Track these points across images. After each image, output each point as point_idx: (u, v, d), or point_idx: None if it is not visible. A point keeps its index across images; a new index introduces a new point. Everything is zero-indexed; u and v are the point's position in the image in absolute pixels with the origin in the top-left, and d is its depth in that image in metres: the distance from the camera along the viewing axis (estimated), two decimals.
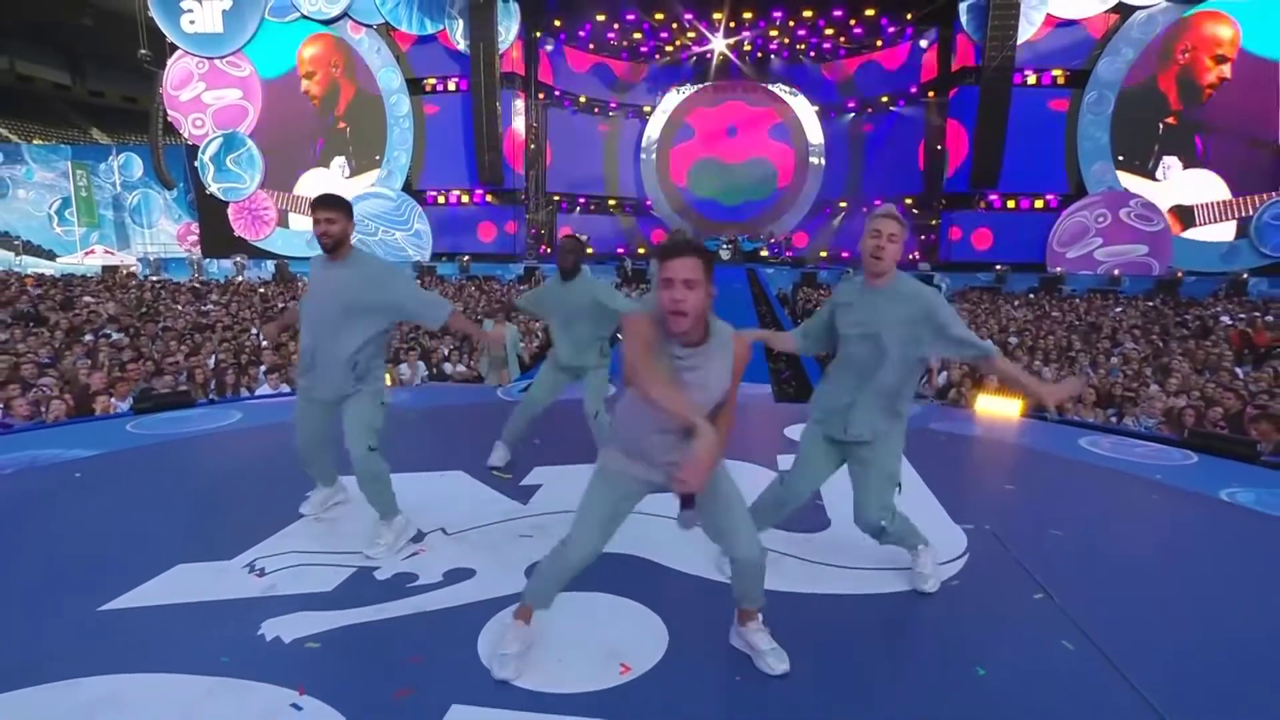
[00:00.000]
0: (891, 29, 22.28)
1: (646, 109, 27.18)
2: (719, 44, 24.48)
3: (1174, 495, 3.91)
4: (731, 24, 23.21)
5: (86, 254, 27.46)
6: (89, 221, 29.03)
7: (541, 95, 25.25)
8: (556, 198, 26.87)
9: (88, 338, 9.71)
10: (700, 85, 26.45)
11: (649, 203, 27.80)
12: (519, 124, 24.65)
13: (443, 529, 3.19)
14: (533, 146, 25.36)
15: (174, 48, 25.31)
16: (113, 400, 6.41)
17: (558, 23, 24.14)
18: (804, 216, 26.52)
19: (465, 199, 25.34)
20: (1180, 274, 18.35)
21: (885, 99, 24.29)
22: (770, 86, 25.98)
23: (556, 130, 26.36)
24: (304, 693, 2.03)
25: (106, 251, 27.75)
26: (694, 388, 1.95)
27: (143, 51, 25.50)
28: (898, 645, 2.48)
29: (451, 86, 24.32)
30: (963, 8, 19.68)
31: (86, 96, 41.01)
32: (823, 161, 25.86)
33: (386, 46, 24.65)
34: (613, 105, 26.92)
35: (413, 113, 25.00)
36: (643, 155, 27.41)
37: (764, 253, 24.62)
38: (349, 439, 2.90)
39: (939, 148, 21.55)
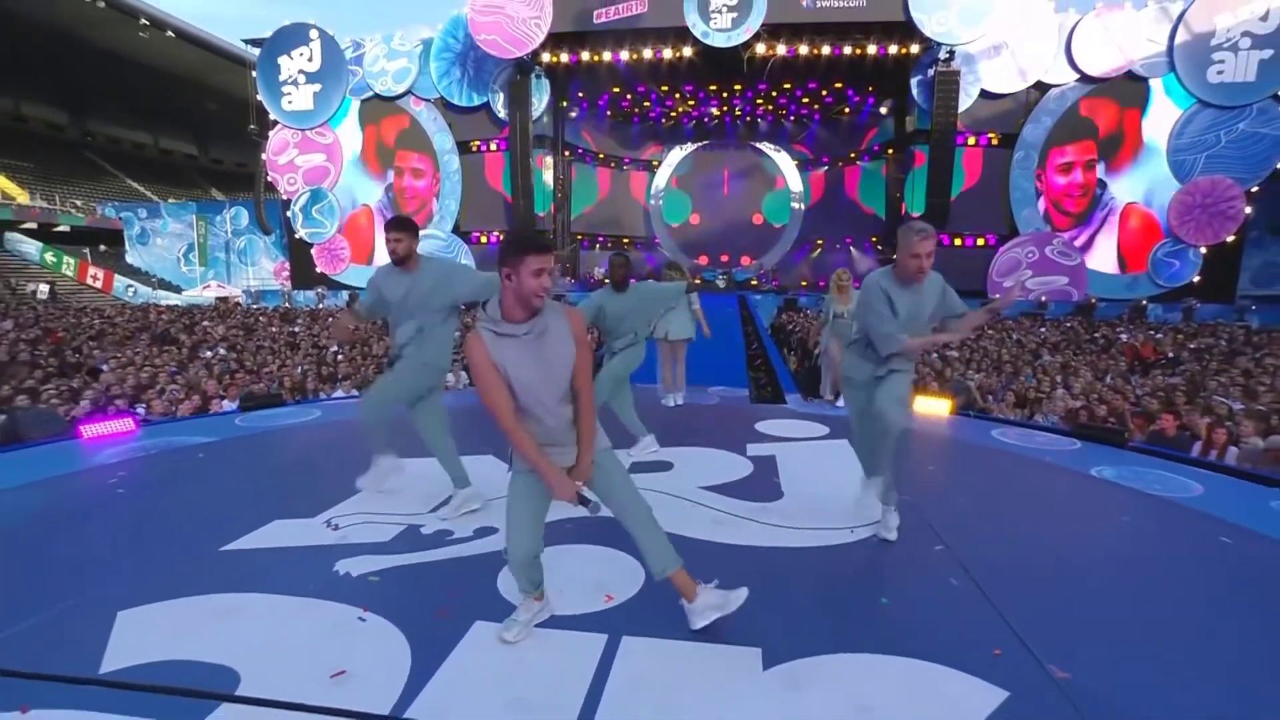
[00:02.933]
0: (856, 98, 22.43)
1: (655, 163, 27.50)
2: (714, 110, 24.83)
3: (1055, 472, 4.07)
4: (724, 94, 23.50)
5: (204, 288, 28.11)
6: (205, 262, 29.74)
7: (566, 152, 25.61)
8: (579, 237, 27.17)
9: (205, 353, 10.09)
10: (699, 144, 26.76)
11: (656, 240, 28.03)
12: (547, 176, 25.01)
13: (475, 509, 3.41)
14: (559, 195, 25.70)
15: (275, 122, 25.98)
16: (224, 401, 6.72)
17: (581, 94, 24.51)
18: (787, 252, 26.67)
19: (503, 238, 25.69)
20: (1094, 300, 18.34)
21: (853, 154, 24.45)
22: (756, 144, 26.21)
23: (579, 181, 26.73)
24: (367, 610, 2.27)
25: (219, 285, 28.42)
26: (543, 361, 1.94)
27: (252, 127, 26.24)
28: (828, 584, 2.61)
29: (493, 147, 24.70)
30: (913, 82, 19.86)
31: (209, 164, 42.25)
32: (802, 206, 26.02)
33: (440, 115, 25.15)
34: (625, 160, 27.28)
35: (461, 169, 25.45)
36: (650, 201, 27.70)
37: (754, 282, 24.75)
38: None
39: (898, 195, 21.64)
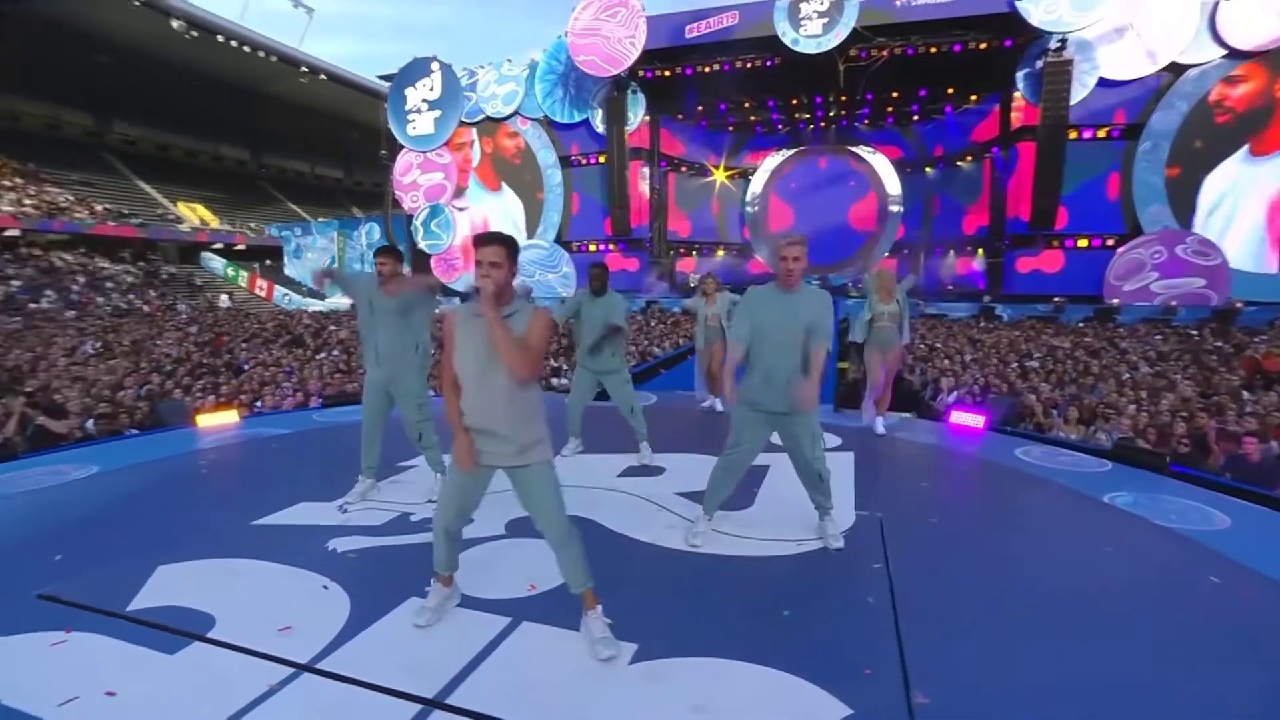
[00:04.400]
0: (957, 96, 21.01)
1: (749, 170, 27.27)
2: (807, 116, 24.22)
3: (1060, 495, 3.78)
4: (817, 99, 22.85)
5: (342, 295, 31.30)
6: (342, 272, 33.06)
7: (663, 163, 26.01)
8: (676, 246, 27.46)
9: (320, 355, 11.40)
10: (793, 150, 26.21)
11: (753, 246, 27.75)
12: (644, 187, 25.53)
13: None
14: (655, 204, 26.13)
15: (401, 146, 28.52)
16: (318, 399, 7.63)
17: (675, 106, 24.81)
18: (885, 256, 25.47)
19: (601, 247, 26.54)
20: (1239, 305, 15.96)
21: (953, 155, 22.93)
22: (853, 148, 25.25)
23: (675, 190, 27.03)
24: (332, 581, 2.67)
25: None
26: (485, 346, 2.11)
27: (383, 152, 29.00)
28: (743, 593, 2.63)
29: (594, 160, 25.61)
30: (1019, 76, 18.35)
31: (352, 185, 46.94)
32: (900, 209, 24.75)
33: (545, 133, 26.42)
34: (721, 168, 27.26)
35: (563, 182, 26.58)
36: (747, 208, 27.48)
37: (848, 286, 23.92)
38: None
39: (1002, 196, 20.05)
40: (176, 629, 2.30)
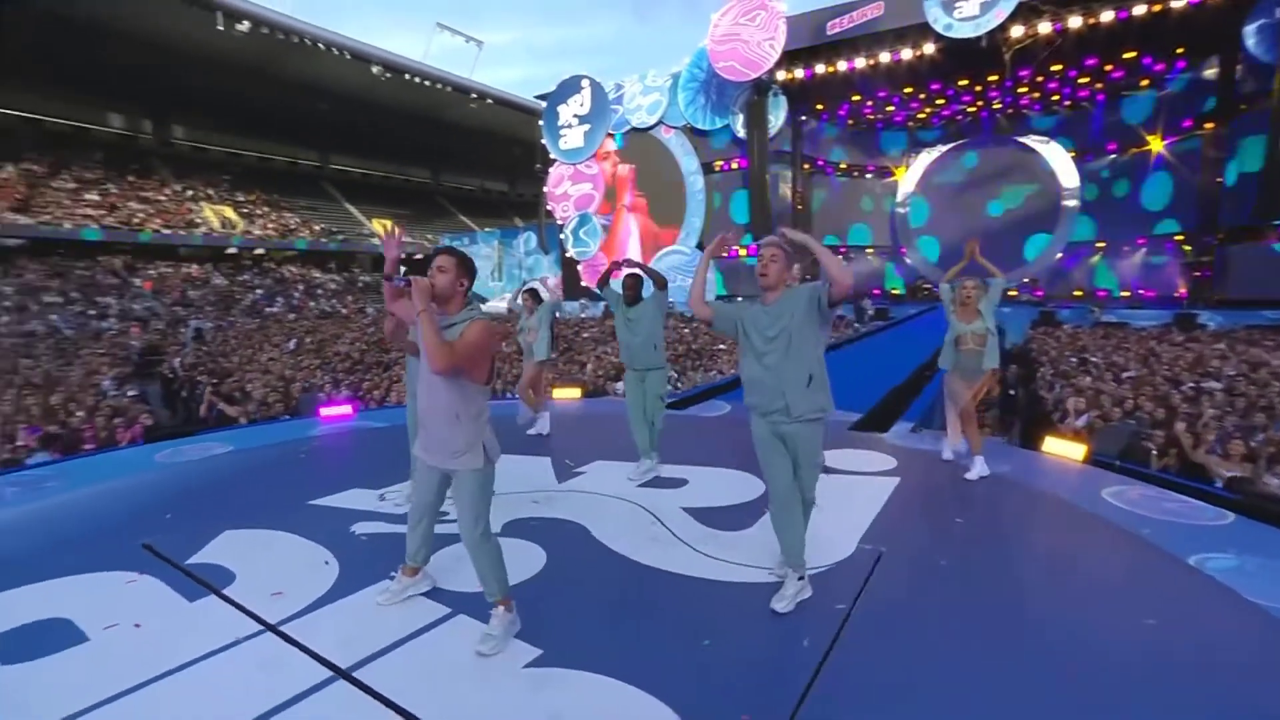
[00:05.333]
0: (1156, 67, 17.87)
1: (900, 169, 25.46)
2: (966, 107, 22.02)
3: (1130, 549, 3.19)
4: (977, 88, 20.71)
5: (499, 299, 34.20)
6: (502, 278, 36.07)
7: (806, 165, 25.20)
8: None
9: None
10: (950, 145, 23.99)
11: (903, 250, 25.89)
12: (785, 190, 24.93)
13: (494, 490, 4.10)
14: (799, 207, 25.38)
15: (553, 159, 30.59)
16: None
17: (819, 106, 23.92)
18: (1058, 257, 22.41)
19: (742, 252, 26.29)
20: None
21: (1151, 135, 19.51)
22: (1021, 138, 22.51)
23: (819, 193, 26.07)
24: (334, 557, 3.10)
25: (509, 297, 34.32)
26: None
27: (538, 165, 31.36)
28: (679, 615, 2.58)
29: (734, 166, 25.50)
30: (1247, 31, 15.17)
31: (515, 197, 51.11)
32: (1078, 204, 21.59)
33: (687, 140, 26.81)
34: (869, 168, 25.76)
35: (704, 188, 26.78)
36: (896, 209, 25.69)
37: (1012, 292, 21.41)
38: None
39: (1216, 182, 16.71)
40: (204, 581, 2.84)
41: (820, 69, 21.36)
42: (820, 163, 25.57)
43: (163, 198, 30.64)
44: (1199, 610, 2.66)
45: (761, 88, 22.50)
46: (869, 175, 25.88)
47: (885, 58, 19.65)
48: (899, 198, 25.46)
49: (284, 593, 2.74)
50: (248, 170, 36.50)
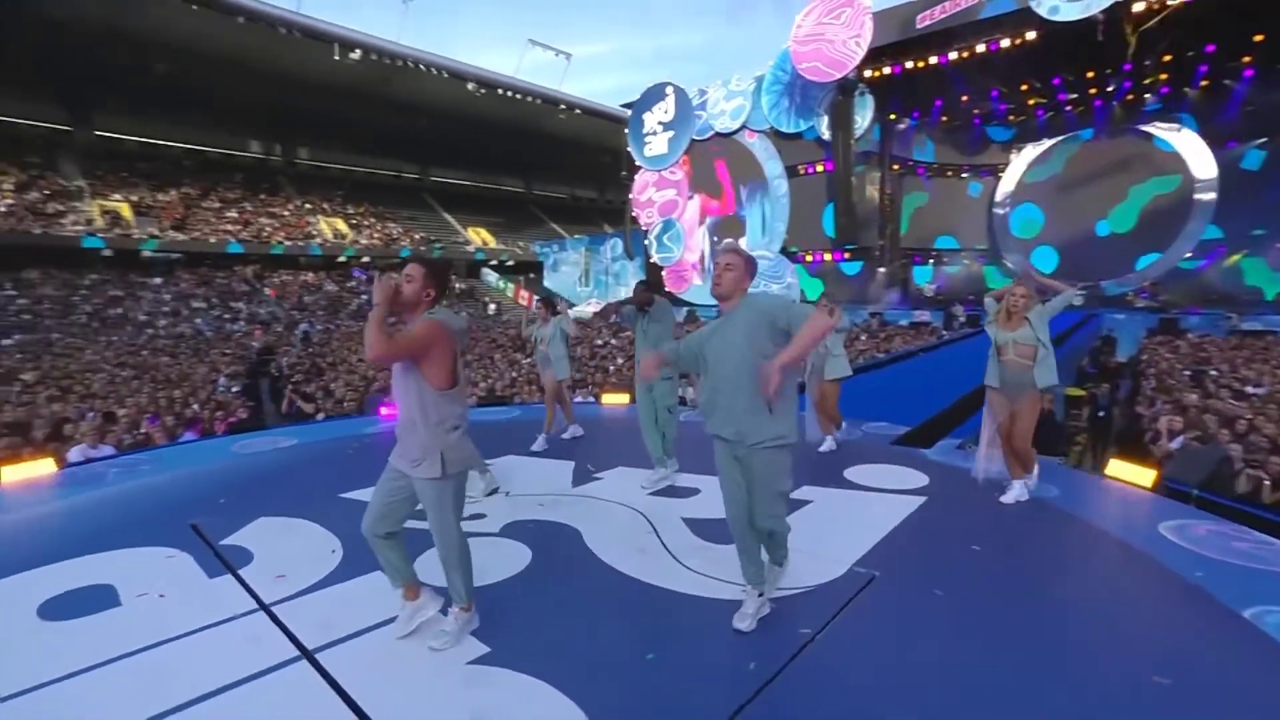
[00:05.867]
0: None
1: (1000, 166, 23.74)
2: (1074, 96, 20.15)
3: (1173, 596, 2.83)
4: (1087, 75, 18.97)
5: (586, 305, 34.99)
6: (589, 283, 36.88)
7: (895, 166, 24.09)
8: (910, 252, 25.21)
9: (529, 359, 13.15)
10: (1057, 138, 22.07)
11: (1002, 253, 24.15)
12: (873, 192, 23.95)
13: (507, 492, 4.25)
14: (888, 210, 24.32)
15: (639, 166, 31.02)
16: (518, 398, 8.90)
17: (910, 103, 22.79)
18: (1185, 257, 20.04)
19: (827, 256, 25.54)
20: None
21: None
22: (1141, 127, 20.35)
23: (910, 194, 24.84)
24: (340, 546, 3.34)
25: (595, 303, 34.90)
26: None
27: (623, 173, 31.95)
28: (636, 626, 2.59)
29: (819, 169, 24.83)
30: None
31: (604, 204, 52.31)
32: (1212, 197, 19.21)
33: (771, 144, 26.38)
34: (964, 167, 24.22)
35: (789, 192, 26.23)
36: (995, 210, 23.98)
37: (1129, 297, 19.43)
38: None
39: None
40: (226, 561, 3.16)
41: (910, 64, 20.39)
42: (911, 163, 24.35)
43: (286, 213, 33.90)
44: (1234, 674, 2.32)
45: (847, 87, 21.78)
46: (965, 174, 24.34)
47: (981, 48, 18.47)
48: (998, 197, 23.76)
49: (286, 576, 3.00)
50: (357, 185, 39.65)
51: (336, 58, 28.51)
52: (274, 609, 2.71)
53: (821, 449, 5.02)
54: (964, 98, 21.51)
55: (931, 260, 24.99)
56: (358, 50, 28.80)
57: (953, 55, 19.25)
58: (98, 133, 31.56)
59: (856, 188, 22.58)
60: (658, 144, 30.07)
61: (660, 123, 29.79)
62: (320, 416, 7.80)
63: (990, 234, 24.18)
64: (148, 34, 26.73)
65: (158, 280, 26.72)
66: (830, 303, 5.59)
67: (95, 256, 26.44)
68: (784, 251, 26.79)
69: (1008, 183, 23.38)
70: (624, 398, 7.86)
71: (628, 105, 31.48)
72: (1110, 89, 19.74)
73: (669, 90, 29.22)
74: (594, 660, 2.36)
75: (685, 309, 29.00)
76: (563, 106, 37.92)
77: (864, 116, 22.45)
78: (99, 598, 2.83)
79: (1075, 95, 20.49)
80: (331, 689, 2.17)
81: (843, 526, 3.59)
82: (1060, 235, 22.46)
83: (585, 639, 2.52)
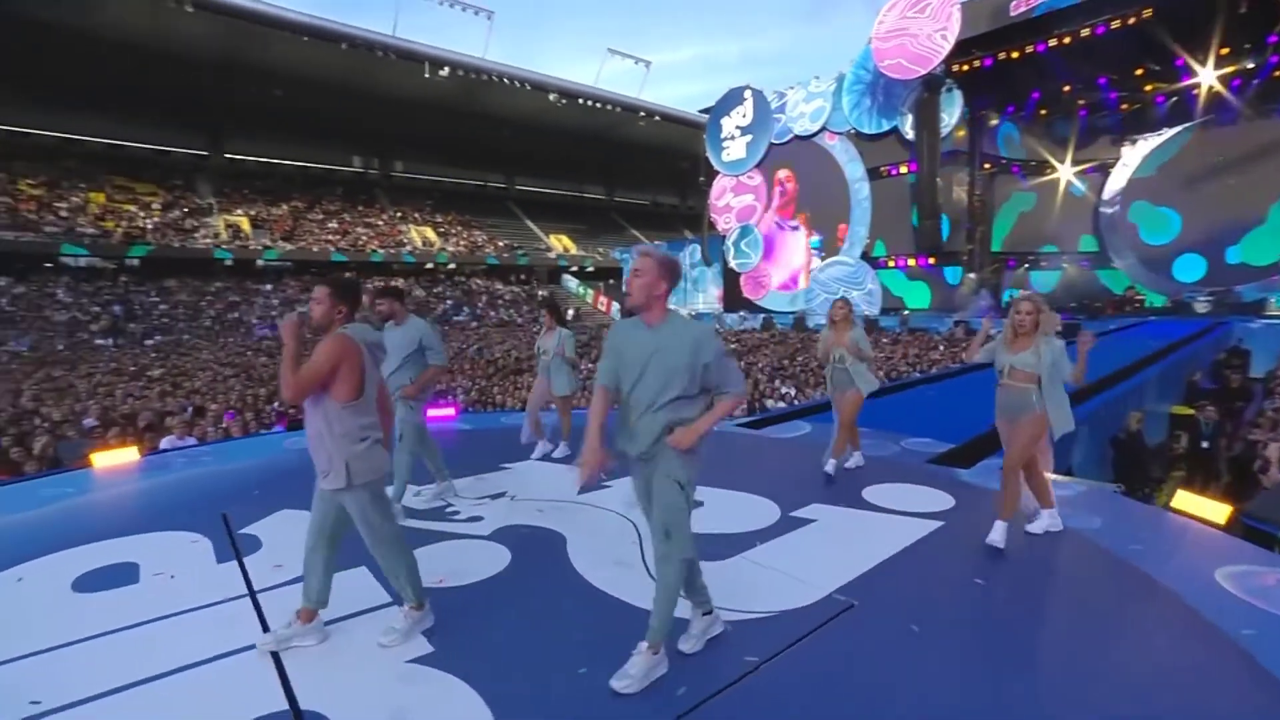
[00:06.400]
0: None
1: (1109, 162, 21.72)
2: (1205, 76, 18.07)
3: (1206, 658, 2.47)
4: (1213, 55, 17.02)
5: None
6: None
7: (988, 165, 22.63)
8: (1003, 256, 23.59)
9: (586, 365, 13.39)
10: (1178, 128, 19.90)
11: (1111, 255, 22.09)
12: (959, 193, 22.62)
13: (513, 496, 4.33)
14: (976, 211, 22.90)
15: (717, 172, 30.90)
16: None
17: (1004, 97, 21.38)
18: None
19: (911, 262, 24.38)
20: None
21: None
22: None
23: (1002, 195, 23.24)
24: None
25: (673, 308, 34.95)
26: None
27: (701, 179, 31.91)
28: (583, 638, 2.56)
29: (902, 170, 23.80)
30: None
31: (686, 210, 52.46)
32: None
33: (852, 146, 25.53)
34: (1068, 163, 22.35)
35: (870, 195, 25.28)
36: (1102, 209, 21.96)
37: (1273, 304, 17.20)
38: None
39: None
40: (237, 548, 3.43)
41: (1004, 55, 19.14)
42: (1004, 160, 22.78)
43: (380, 222, 36.33)
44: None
45: (933, 83, 20.75)
46: (1068, 170, 22.44)
47: (1087, 32, 17.06)
48: (1106, 195, 21.73)
49: (283, 565, 3.21)
50: (446, 194, 41.93)
51: (426, 75, 30.35)
52: (260, 595, 2.92)
53: (827, 468, 4.73)
54: (1066, 87, 19.94)
55: (1026, 265, 23.23)
56: (446, 68, 30.55)
57: (1053, 42, 17.88)
58: (228, 155, 35.19)
59: (942, 189, 21.39)
60: (735, 148, 29.86)
61: (738, 127, 29.57)
62: None
63: (1099, 236, 22.16)
64: (269, 65, 29.59)
65: (268, 287, 29.35)
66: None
67: (219, 266, 29.43)
68: (865, 258, 25.84)
69: (1118, 179, 21.34)
70: None
71: (706, 111, 31.45)
72: (1251, 66, 17.49)
73: (747, 94, 28.95)
74: (527, 668, 2.37)
75: (762, 315, 28.60)
76: (642, 114, 38.45)
77: (951, 114, 21.29)
78: (122, 575, 3.15)
79: (1199, 80, 18.43)
80: (277, 674, 2.31)
81: (839, 549, 3.42)
82: (1201, 238, 19.80)
83: (528, 647, 2.53)
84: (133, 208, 29.61)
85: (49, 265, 26.15)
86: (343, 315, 2.50)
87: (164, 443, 7.01)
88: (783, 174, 28.34)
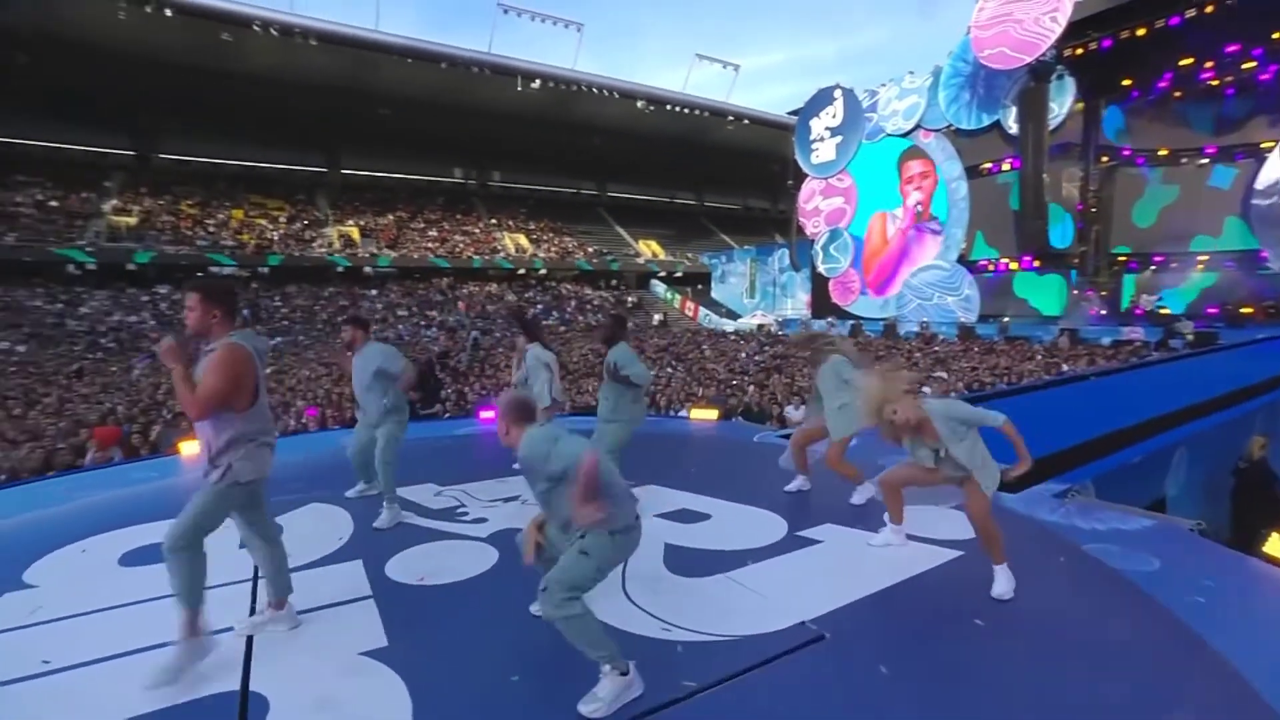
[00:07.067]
0: None
1: (1265, 144, 19.02)
2: None
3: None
4: None
5: (751, 317, 34.37)
6: (754, 295, 36.23)
7: (1105, 158, 20.54)
8: (1122, 258, 21.33)
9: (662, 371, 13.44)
10: None
11: (1264, 254, 19.35)
12: (1071, 190, 20.67)
13: (524, 499, 4.40)
14: (1091, 209, 20.85)
15: (806, 174, 30.07)
16: None
17: (1127, 81, 19.31)
18: None
19: (1014, 265, 22.58)
20: None
21: None
22: None
23: (1124, 190, 20.97)
24: (349, 536, 3.76)
25: (761, 315, 34.01)
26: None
27: (789, 182, 31.19)
28: (538, 648, 2.57)
29: (1005, 166, 22.11)
30: None
31: (777, 214, 51.46)
32: None
33: (949, 143, 24.04)
34: (1209, 150, 19.80)
35: (968, 195, 23.68)
36: (1256, 201, 19.26)
37: None
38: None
39: None
40: None
41: (1126, 33, 17.32)
42: (1126, 152, 20.53)
43: (476, 230, 38.24)
44: None
45: (1041, 71, 19.10)
46: (1204, 160, 19.85)
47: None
48: (1260, 185, 19.03)
49: (289, 555, 3.46)
50: (540, 202, 43.48)
51: (519, 89, 31.72)
52: (260, 580, 3.15)
53: (788, 488, 4.48)
54: (1208, 63, 17.69)
55: (1153, 268, 20.80)
56: (537, 80, 31.78)
57: (1191, 12, 15.95)
58: (343, 171, 38.46)
59: (1050, 186, 19.62)
60: (825, 150, 28.92)
61: (827, 128, 28.62)
62: (445, 416, 8.73)
63: (1243, 233, 19.46)
64: (378, 87, 32.09)
65: (374, 291, 31.67)
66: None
67: (333, 272, 32.12)
68: (962, 261, 24.15)
69: (1276, 167, 18.63)
70: (712, 414, 7.72)
71: (794, 112, 30.68)
72: None
73: (837, 94, 27.98)
74: (465, 671, 2.42)
75: (850, 322, 27.41)
76: (730, 117, 38.15)
77: (1061, 103, 19.51)
78: (159, 554, 3.51)
79: None
80: (243, 656, 2.50)
81: (835, 574, 3.23)
82: None
83: (474, 650, 2.58)
84: (263, 221, 32.97)
85: (199, 274, 29.67)
86: (218, 318, 2.49)
87: None
88: (916, 167, 26.02)
